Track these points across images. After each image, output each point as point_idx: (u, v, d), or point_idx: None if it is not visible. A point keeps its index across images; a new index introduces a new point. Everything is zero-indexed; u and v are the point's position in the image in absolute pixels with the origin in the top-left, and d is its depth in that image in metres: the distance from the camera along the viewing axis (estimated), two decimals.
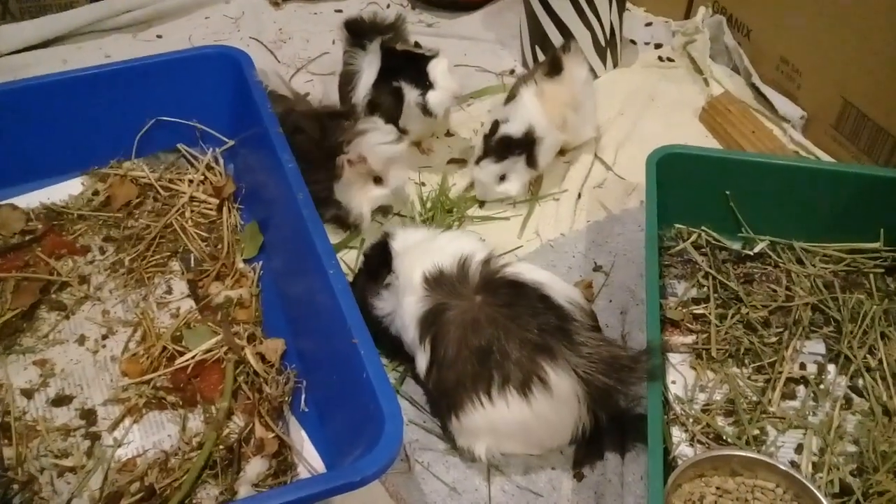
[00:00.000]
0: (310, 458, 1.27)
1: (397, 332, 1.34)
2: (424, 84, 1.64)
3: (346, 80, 1.77)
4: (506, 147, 1.62)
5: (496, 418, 1.20)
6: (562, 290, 1.27)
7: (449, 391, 1.23)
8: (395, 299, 1.34)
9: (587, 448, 1.29)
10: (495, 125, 1.63)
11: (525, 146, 1.63)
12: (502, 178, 1.66)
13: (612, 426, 1.26)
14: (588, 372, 1.18)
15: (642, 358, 1.19)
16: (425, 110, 1.65)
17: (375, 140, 1.54)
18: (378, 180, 1.58)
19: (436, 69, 1.64)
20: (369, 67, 1.71)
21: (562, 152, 1.81)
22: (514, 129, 1.62)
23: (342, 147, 1.54)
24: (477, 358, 1.20)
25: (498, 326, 1.20)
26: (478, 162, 1.66)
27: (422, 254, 1.33)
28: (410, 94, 1.66)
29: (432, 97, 1.64)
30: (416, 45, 1.69)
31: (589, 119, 1.79)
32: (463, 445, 1.27)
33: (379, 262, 1.39)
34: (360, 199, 1.59)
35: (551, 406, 1.19)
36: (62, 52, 2.12)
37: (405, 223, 1.69)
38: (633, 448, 1.28)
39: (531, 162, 1.65)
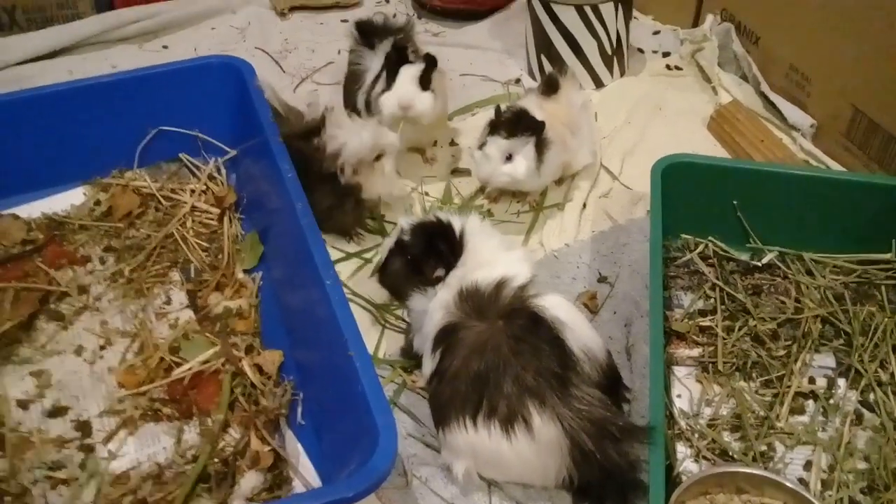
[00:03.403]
0: (305, 473, 1.24)
1: (417, 328, 1.33)
2: (391, 83, 1.63)
3: (353, 79, 1.77)
4: (517, 123, 1.56)
5: (477, 444, 1.18)
6: (582, 336, 1.21)
7: (441, 405, 1.21)
8: (426, 301, 1.30)
9: (582, 497, 1.23)
10: (499, 110, 1.60)
11: (536, 130, 1.57)
12: (508, 158, 1.58)
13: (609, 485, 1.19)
14: (573, 427, 1.13)
15: (635, 434, 1.14)
16: (373, 104, 1.64)
17: (353, 146, 1.53)
18: (378, 157, 1.57)
19: (402, 73, 1.62)
20: (379, 66, 1.70)
21: (559, 181, 1.77)
22: (529, 108, 1.58)
23: (331, 169, 1.53)
24: (473, 381, 1.17)
25: (500, 356, 1.17)
26: (481, 147, 1.60)
27: (482, 267, 1.29)
28: (379, 85, 1.66)
29: (384, 97, 1.63)
30: (427, 55, 1.66)
31: (586, 143, 1.74)
32: (445, 460, 1.25)
33: (430, 250, 1.32)
34: (384, 182, 1.58)
35: (532, 449, 1.15)
36: (68, 62, 2.12)
37: None
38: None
39: (539, 150, 1.59)
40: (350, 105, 1.80)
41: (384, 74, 1.66)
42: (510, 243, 1.37)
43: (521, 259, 1.32)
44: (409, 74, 1.62)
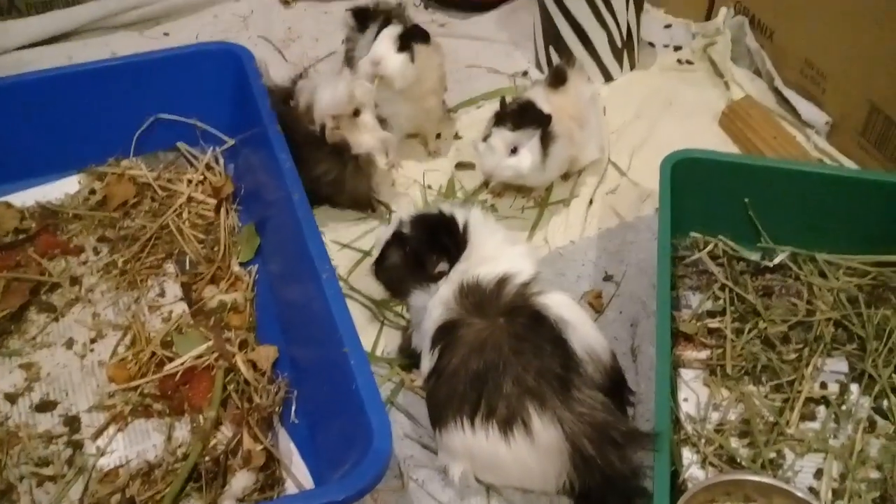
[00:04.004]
0: (298, 473, 1.21)
1: (416, 324, 1.29)
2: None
3: (349, 66, 1.74)
4: (522, 115, 1.52)
5: (474, 446, 1.14)
6: (586, 336, 1.17)
7: (438, 405, 1.17)
8: (427, 297, 1.26)
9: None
10: (504, 102, 1.56)
11: (542, 123, 1.53)
12: (513, 151, 1.54)
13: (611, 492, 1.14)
14: (574, 431, 1.09)
15: (638, 440, 1.10)
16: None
17: (326, 98, 1.49)
18: (357, 112, 1.52)
19: (382, 33, 1.59)
20: (368, 46, 1.66)
21: (565, 176, 1.72)
22: (535, 101, 1.55)
23: (311, 127, 1.50)
24: (471, 380, 1.13)
25: (500, 355, 1.13)
26: (485, 139, 1.56)
27: (485, 263, 1.25)
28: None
29: (362, 59, 1.61)
30: (413, 25, 1.64)
31: (594, 138, 1.70)
32: (441, 462, 1.21)
33: (432, 244, 1.28)
34: (366, 136, 1.53)
35: (531, 453, 1.11)
36: (68, 48, 2.09)
37: None
38: None
39: (545, 144, 1.54)
40: None
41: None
42: (514, 238, 1.33)
43: (525, 254, 1.28)
44: (387, 34, 1.58)
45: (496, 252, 1.27)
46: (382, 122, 1.61)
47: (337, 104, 1.49)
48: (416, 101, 1.69)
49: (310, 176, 1.49)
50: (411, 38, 1.60)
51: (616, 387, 1.20)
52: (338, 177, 1.55)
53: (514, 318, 1.16)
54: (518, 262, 1.25)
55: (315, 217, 1.33)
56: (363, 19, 1.72)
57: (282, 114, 1.52)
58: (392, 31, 1.58)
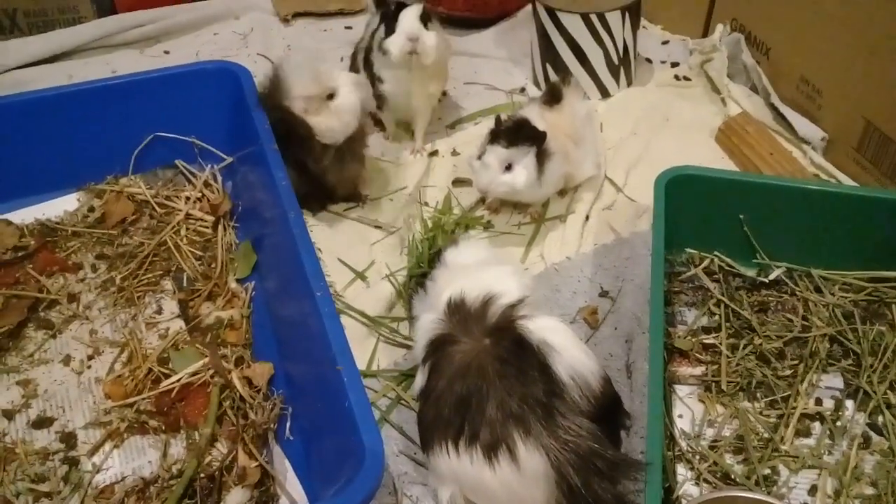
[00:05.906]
0: (292, 490, 1.21)
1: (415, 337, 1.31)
2: (392, 29, 1.63)
3: (358, 51, 1.82)
4: (517, 132, 1.53)
5: (459, 471, 1.12)
6: (573, 362, 1.14)
7: (426, 427, 1.16)
8: (421, 306, 1.30)
9: None
10: (499, 120, 1.58)
11: (537, 140, 1.54)
12: (508, 168, 1.55)
13: None
14: (559, 459, 1.07)
15: (625, 469, 1.08)
16: (381, 49, 1.65)
17: (298, 91, 1.53)
18: (331, 96, 1.55)
19: (405, 13, 1.62)
20: (371, 34, 1.73)
21: (562, 193, 1.73)
22: (530, 118, 1.57)
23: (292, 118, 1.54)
24: (455, 404, 1.12)
25: (485, 379, 1.11)
26: (480, 156, 1.57)
27: (463, 277, 1.26)
28: (378, 37, 1.66)
29: (389, 39, 1.63)
30: (426, 9, 1.66)
31: (589, 154, 1.71)
32: (431, 485, 1.21)
33: (431, 266, 1.38)
34: (333, 121, 1.55)
35: (518, 479, 1.09)
36: (68, 67, 2.11)
37: (407, 243, 1.63)
38: None
39: (540, 161, 1.55)
40: (353, 69, 1.85)
41: (385, 30, 1.66)
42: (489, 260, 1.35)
43: (506, 275, 1.27)
44: (411, 13, 1.62)
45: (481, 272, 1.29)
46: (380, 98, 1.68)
47: (305, 91, 1.51)
48: (423, 82, 1.72)
49: (313, 156, 1.56)
50: (427, 19, 1.65)
51: (608, 412, 1.17)
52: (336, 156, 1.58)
53: (499, 340, 1.15)
54: (504, 282, 1.24)
55: (313, 234, 1.35)
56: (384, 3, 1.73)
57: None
58: (415, 11, 1.62)
